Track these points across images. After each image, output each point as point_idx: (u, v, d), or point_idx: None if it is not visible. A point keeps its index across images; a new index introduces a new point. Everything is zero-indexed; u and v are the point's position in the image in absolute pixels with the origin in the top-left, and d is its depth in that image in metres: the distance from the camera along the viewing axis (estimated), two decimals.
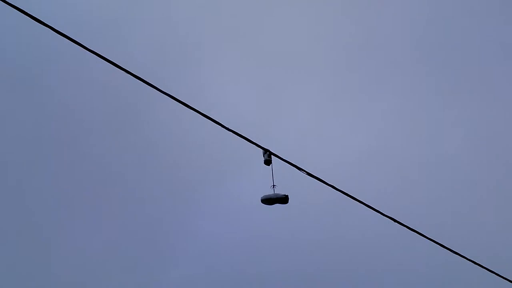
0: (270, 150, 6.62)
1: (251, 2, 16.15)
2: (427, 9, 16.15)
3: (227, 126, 6.19)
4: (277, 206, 7.89)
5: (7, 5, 4.73)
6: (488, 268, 7.23)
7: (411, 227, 6.84)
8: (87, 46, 5.21)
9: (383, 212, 6.83)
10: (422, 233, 6.82)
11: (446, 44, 16.08)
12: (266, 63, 16.07)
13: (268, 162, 6.76)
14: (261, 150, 6.60)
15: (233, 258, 15.35)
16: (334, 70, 16.23)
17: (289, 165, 6.63)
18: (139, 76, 5.51)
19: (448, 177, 15.61)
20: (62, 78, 15.45)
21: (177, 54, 16.02)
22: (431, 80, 16.23)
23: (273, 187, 7.83)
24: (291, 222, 14.49)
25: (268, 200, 7.83)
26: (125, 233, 15.40)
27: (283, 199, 7.80)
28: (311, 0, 16.17)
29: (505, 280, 7.18)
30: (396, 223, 6.73)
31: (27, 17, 4.87)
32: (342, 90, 16.20)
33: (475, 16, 15.95)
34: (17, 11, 4.85)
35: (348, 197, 6.62)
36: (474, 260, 7.18)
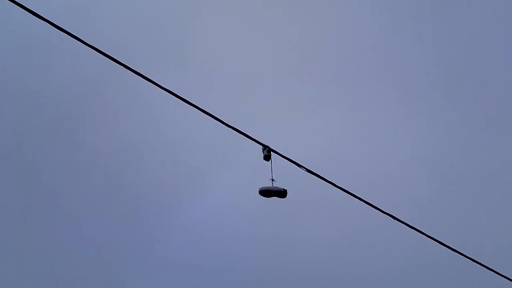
0: (269, 146, 6.59)
1: (194, 14, 15.72)
2: (376, 16, 16.06)
3: (226, 123, 6.12)
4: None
5: None
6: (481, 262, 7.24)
7: (410, 225, 6.81)
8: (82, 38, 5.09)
9: (381, 208, 6.79)
10: (422, 231, 6.79)
11: (396, 52, 16.08)
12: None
13: (267, 157, 6.76)
14: (261, 147, 6.60)
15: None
16: (280, 83, 16.03)
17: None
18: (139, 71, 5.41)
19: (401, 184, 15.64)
20: (47, 71, 15.11)
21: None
22: (381, 87, 16.22)
23: (272, 180, 7.82)
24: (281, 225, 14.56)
25: (267, 192, 7.78)
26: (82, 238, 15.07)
27: (282, 193, 7.75)
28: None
29: (504, 278, 7.19)
30: (396, 220, 6.69)
31: None
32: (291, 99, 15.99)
33: (418, 24, 15.93)
34: None
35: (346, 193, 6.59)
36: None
